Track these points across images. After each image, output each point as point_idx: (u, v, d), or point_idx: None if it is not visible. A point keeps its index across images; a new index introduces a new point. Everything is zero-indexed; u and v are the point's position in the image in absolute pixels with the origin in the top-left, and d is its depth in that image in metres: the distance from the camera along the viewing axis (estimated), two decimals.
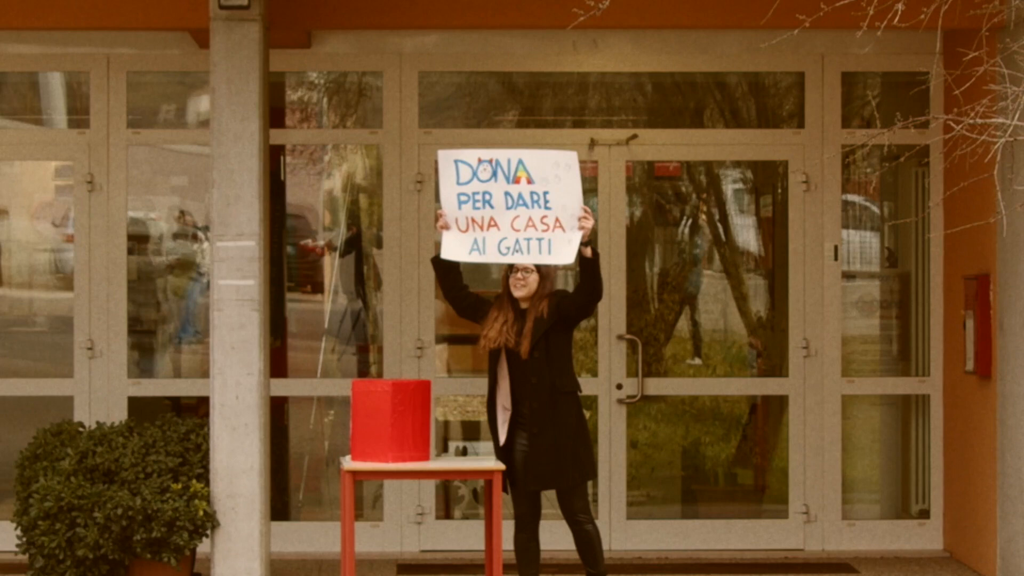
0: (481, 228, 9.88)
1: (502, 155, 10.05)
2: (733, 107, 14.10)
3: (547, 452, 10.06)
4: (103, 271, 12.93)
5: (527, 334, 10.01)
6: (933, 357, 13.29)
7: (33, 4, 11.55)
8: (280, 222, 13.04)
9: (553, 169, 9.91)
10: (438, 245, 11.83)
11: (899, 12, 8.77)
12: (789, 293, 13.46)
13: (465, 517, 13.16)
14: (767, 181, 13.76)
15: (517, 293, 10.11)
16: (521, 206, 9.83)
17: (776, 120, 13.86)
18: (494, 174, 9.89)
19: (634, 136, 12.24)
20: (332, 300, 13.80)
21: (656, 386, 12.69)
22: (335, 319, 13.87)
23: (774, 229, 13.69)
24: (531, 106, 14.00)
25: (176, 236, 13.79)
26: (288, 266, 13.58)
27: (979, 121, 9.84)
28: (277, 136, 12.62)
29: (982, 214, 11.17)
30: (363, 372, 13.33)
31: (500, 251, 9.90)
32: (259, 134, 11.43)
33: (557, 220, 9.75)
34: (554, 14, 10.79)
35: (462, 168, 10.01)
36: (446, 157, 10.18)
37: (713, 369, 13.98)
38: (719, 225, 12.31)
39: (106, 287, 12.97)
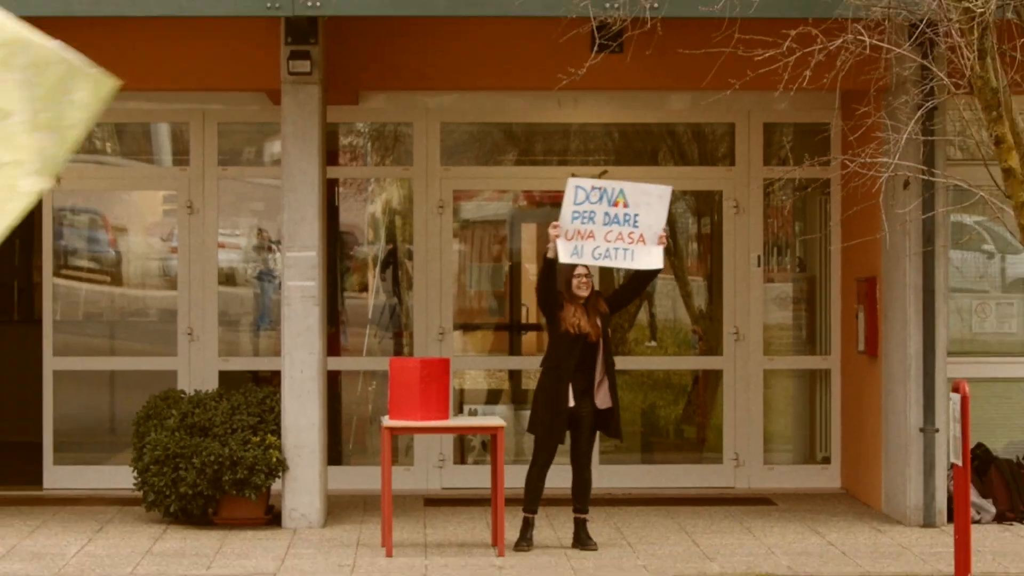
0: (582, 238, 10.01)
1: (610, 184, 10.36)
2: (680, 150, 14.20)
3: (607, 412, 10.30)
4: (199, 275, 13.07)
5: (594, 324, 10.16)
6: (833, 341, 13.39)
7: (146, 70, 11.57)
8: (334, 237, 13.09)
9: (646, 197, 10.22)
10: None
11: (807, 77, 8.82)
12: (723, 292, 13.54)
13: (476, 463, 13.29)
14: (706, 206, 13.86)
15: (582, 293, 10.25)
16: (615, 223, 10.04)
17: (713, 159, 13.94)
18: (600, 198, 10.13)
19: (604, 172, 12.05)
20: (375, 297, 13.83)
21: (622, 363, 12.64)
22: (377, 312, 13.95)
23: (712, 243, 13.73)
24: (526, 149, 14.09)
25: (255, 248, 13.99)
26: (340, 271, 13.62)
27: (868, 160, 9.90)
28: (332, 172, 12.74)
29: (870, 231, 11.30)
30: (398, 352, 13.37)
31: (593, 256, 10.11)
32: (318, 171, 11.53)
33: (641, 236, 10.04)
34: (543, 78, 11.02)
35: (579, 192, 10.21)
36: (572, 183, 10.38)
37: (665, 350, 14.17)
38: (670, 240, 12.36)
39: (201, 287, 13.11)
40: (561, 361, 10.20)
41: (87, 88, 1.97)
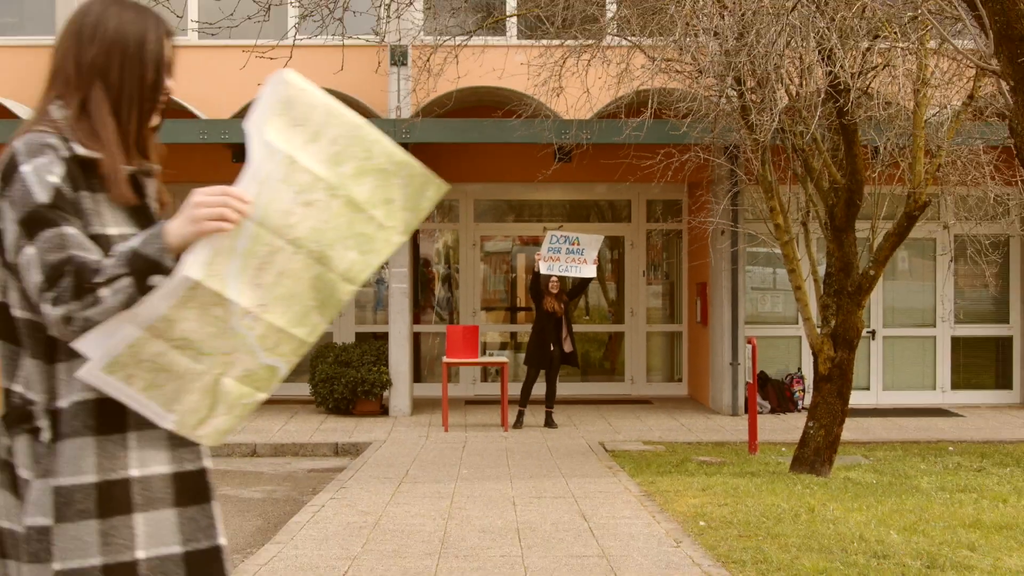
0: (553, 261, 10.01)
1: (569, 233, 10.31)
2: (602, 214, 13.96)
3: (570, 354, 10.50)
4: None
5: (560, 306, 10.33)
6: (684, 316, 13.14)
7: None
8: (416, 260, 12.78)
9: (588, 240, 10.20)
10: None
11: (669, 175, 9.27)
12: (625, 290, 13.27)
13: (492, 381, 12.79)
14: (616, 244, 13.40)
15: (554, 290, 10.33)
16: (571, 253, 10.08)
17: (620, 219, 13.61)
18: (564, 240, 10.11)
19: (560, 226, 12.13)
20: (437, 293, 13.63)
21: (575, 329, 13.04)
22: (439, 301, 13.59)
23: (619, 264, 13.43)
24: (520, 213, 13.84)
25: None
26: (420, 279, 13.26)
27: (702, 220, 10.39)
28: None
29: (703, 257, 11.43)
30: (451, 321, 12.90)
31: (559, 271, 10.09)
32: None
33: (584, 260, 10.06)
34: (528, 175, 10.99)
35: (552, 237, 10.19)
36: (548, 233, 10.35)
37: (593, 320, 13.84)
38: (598, 262, 12.30)
39: None
40: (543, 326, 10.38)
41: (433, 190, 1.70)
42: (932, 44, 6.86)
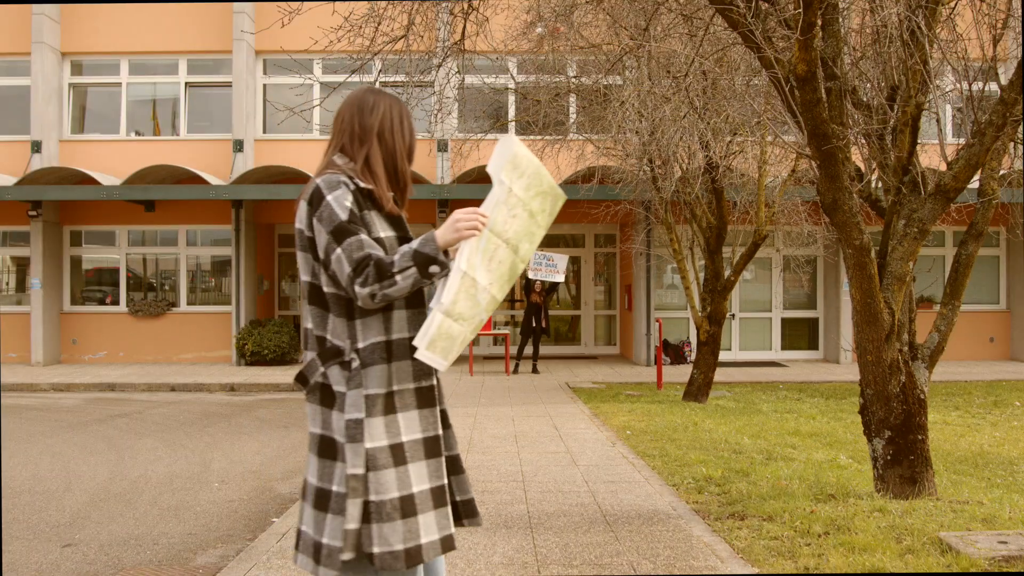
0: (536, 271, 9.26)
1: (549, 252, 9.44)
2: (568, 242, 12.90)
3: (545, 328, 10.16)
4: None
5: (540, 298, 10.02)
6: (618, 305, 12.67)
7: None
8: None
9: (559, 257, 9.25)
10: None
11: (609, 218, 9.23)
12: (581, 289, 12.80)
13: (499, 345, 12.33)
14: (577, 262, 12.69)
15: (537, 289, 9.93)
16: (549, 266, 9.20)
17: (579, 245, 13.12)
18: (545, 256, 9.24)
19: (543, 250, 11.89)
20: None
21: (551, 313, 12.99)
22: None
23: (578, 276, 12.93)
24: None
25: None
26: None
27: (629, 246, 10.34)
28: None
29: (629, 268, 11.61)
30: None
31: (541, 277, 9.26)
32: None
33: (557, 270, 9.21)
34: None
35: (537, 255, 9.39)
36: (535, 254, 9.21)
37: (562, 308, 12.96)
38: (569, 272, 12.37)
39: None
40: (530, 311, 10.12)
41: (560, 204, 1.66)
42: (769, 138, 6.88)
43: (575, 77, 7.92)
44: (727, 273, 7.96)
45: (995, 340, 12.08)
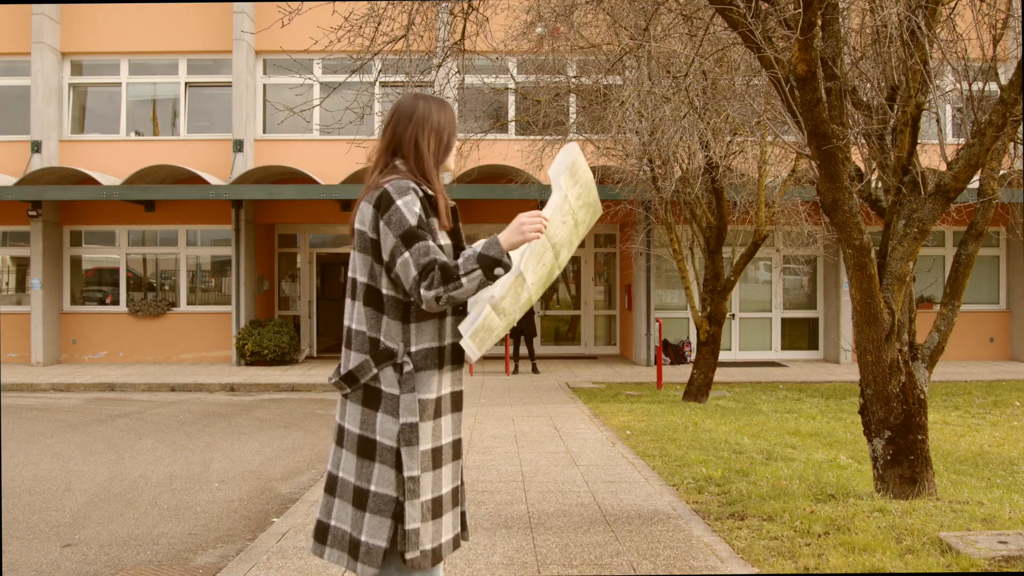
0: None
1: None
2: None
3: (534, 328, 10.11)
4: None
5: None
6: (618, 305, 12.63)
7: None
8: None
9: None
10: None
11: (610, 217, 9.19)
12: (581, 289, 12.74)
13: (499, 345, 11.53)
14: (577, 262, 12.72)
15: None
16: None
17: (579, 245, 13.48)
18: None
19: None
20: None
21: (551, 313, 12.81)
22: None
23: (579, 274, 12.84)
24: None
25: None
26: None
27: (630, 246, 10.30)
28: None
29: (629, 268, 11.62)
30: None
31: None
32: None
33: None
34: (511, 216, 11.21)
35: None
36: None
37: (561, 307, 12.99)
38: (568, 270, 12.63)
39: None
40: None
41: (598, 216, 1.70)
42: (769, 138, 6.87)
43: (575, 77, 7.90)
44: (727, 273, 7.95)
45: (995, 340, 12.07)
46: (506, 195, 10.44)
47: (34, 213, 11.04)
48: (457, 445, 1.70)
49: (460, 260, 1.56)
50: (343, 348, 1.68)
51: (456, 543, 1.68)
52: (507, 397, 8.16)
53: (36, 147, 11.43)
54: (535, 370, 10.37)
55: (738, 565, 2.84)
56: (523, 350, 10.90)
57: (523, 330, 10.19)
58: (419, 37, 5.34)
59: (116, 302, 11.83)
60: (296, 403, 8.27)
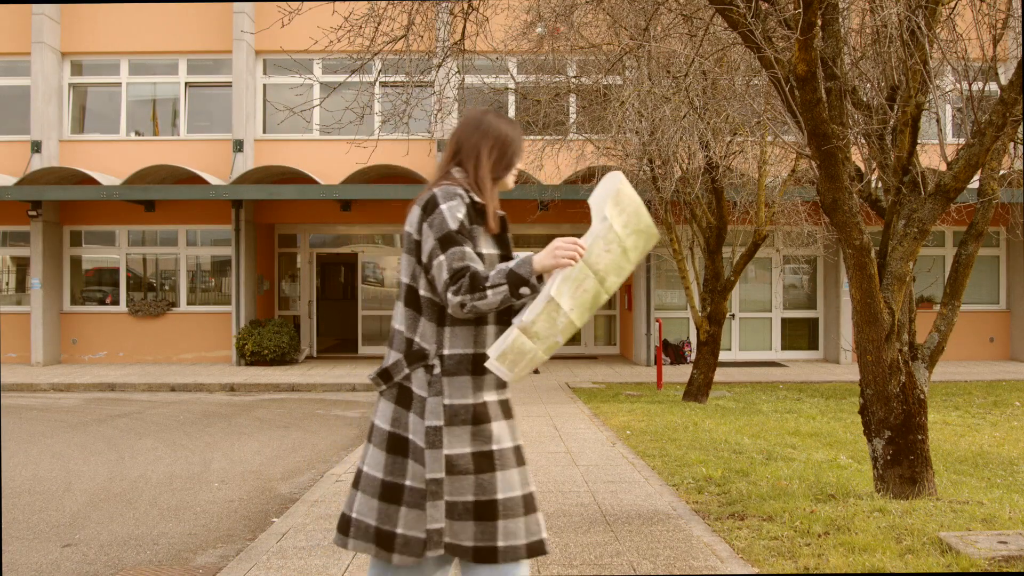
0: None
1: (520, 254, 9.85)
2: None
3: None
4: None
5: None
6: (618, 305, 12.46)
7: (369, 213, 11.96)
8: None
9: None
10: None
11: None
12: None
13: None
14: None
15: None
16: None
17: None
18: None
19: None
20: None
21: None
22: None
23: None
24: (517, 243, 12.39)
25: None
26: None
27: None
28: None
29: None
30: None
31: None
32: None
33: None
34: (522, 218, 10.54)
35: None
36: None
37: None
38: None
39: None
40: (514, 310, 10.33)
41: (653, 243, 1.67)
42: (769, 138, 6.87)
43: (575, 77, 7.90)
44: (727, 273, 7.94)
45: (995, 340, 12.07)
46: (506, 194, 10.48)
47: (34, 213, 11.05)
48: (518, 451, 1.70)
49: (492, 272, 1.59)
50: (387, 347, 1.73)
51: (535, 550, 1.65)
52: None
53: (36, 147, 11.43)
54: (535, 370, 10.43)
55: (738, 565, 2.84)
56: None
57: None
58: (419, 37, 5.34)
59: (116, 302, 11.84)
60: (296, 403, 8.30)
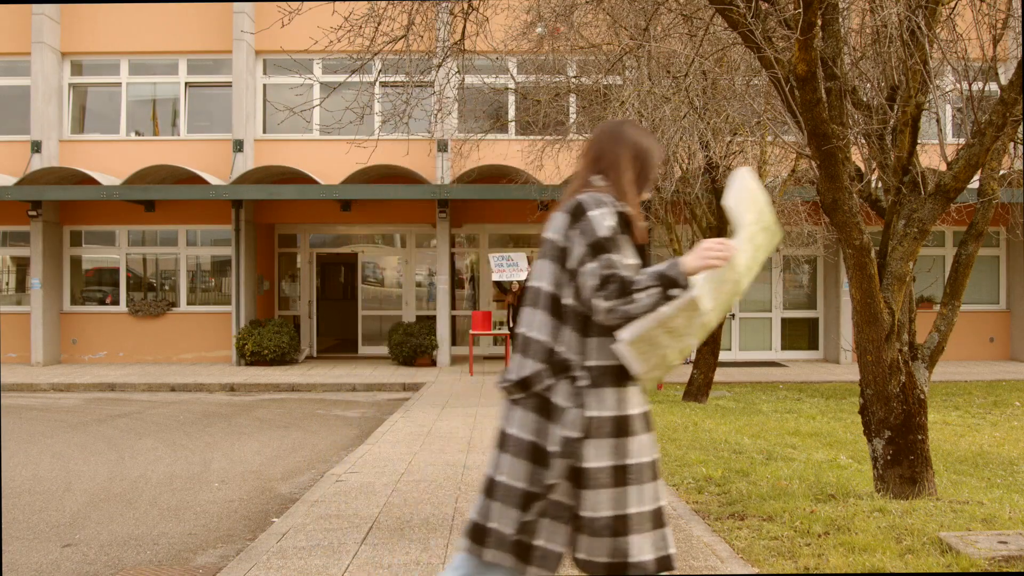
0: (500, 272, 9.52)
1: (506, 252, 9.79)
2: None
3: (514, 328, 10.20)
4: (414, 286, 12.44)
5: (516, 297, 9.76)
6: None
7: (368, 212, 11.99)
8: (453, 271, 11.97)
9: (519, 256, 9.60)
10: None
11: None
12: None
13: (499, 344, 11.99)
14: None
15: (514, 289, 9.81)
16: (510, 265, 9.56)
17: None
18: (504, 257, 9.57)
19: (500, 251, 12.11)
20: (467, 290, 12.47)
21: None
22: (468, 296, 12.37)
23: None
24: (517, 242, 12.31)
25: (430, 274, 12.44)
26: (454, 282, 12.22)
27: None
28: (453, 250, 11.84)
29: None
30: (475, 308, 11.92)
31: (504, 278, 9.58)
32: (448, 249, 10.86)
33: (518, 268, 9.41)
34: (522, 218, 10.61)
35: (497, 257, 9.68)
36: (494, 257, 9.72)
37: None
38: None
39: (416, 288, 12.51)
40: (510, 310, 10.00)
41: (777, 240, 1.67)
42: (769, 138, 6.87)
43: (575, 77, 7.90)
44: None
45: (995, 340, 12.06)
46: (506, 195, 10.46)
47: (34, 213, 11.05)
48: (653, 465, 1.69)
49: (641, 276, 1.58)
50: (517, 354, 1.70)
51: (663, 565, 1.64)
52: None
53: (36, 147, 11.43)
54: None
55: (738, 565, 2.83)
56: None
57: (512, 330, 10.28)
58: (419, 37, 5.34)
59: (116, 302, 11.84)
60: (296, 403, 8.30)
